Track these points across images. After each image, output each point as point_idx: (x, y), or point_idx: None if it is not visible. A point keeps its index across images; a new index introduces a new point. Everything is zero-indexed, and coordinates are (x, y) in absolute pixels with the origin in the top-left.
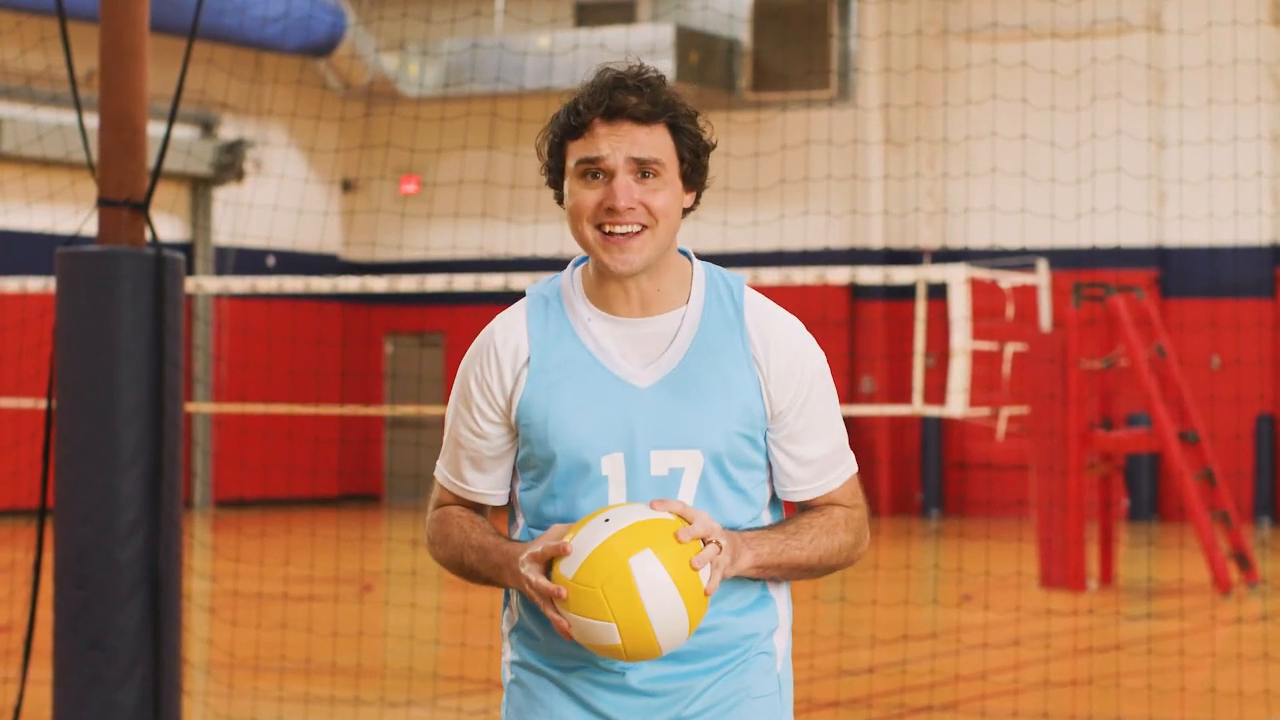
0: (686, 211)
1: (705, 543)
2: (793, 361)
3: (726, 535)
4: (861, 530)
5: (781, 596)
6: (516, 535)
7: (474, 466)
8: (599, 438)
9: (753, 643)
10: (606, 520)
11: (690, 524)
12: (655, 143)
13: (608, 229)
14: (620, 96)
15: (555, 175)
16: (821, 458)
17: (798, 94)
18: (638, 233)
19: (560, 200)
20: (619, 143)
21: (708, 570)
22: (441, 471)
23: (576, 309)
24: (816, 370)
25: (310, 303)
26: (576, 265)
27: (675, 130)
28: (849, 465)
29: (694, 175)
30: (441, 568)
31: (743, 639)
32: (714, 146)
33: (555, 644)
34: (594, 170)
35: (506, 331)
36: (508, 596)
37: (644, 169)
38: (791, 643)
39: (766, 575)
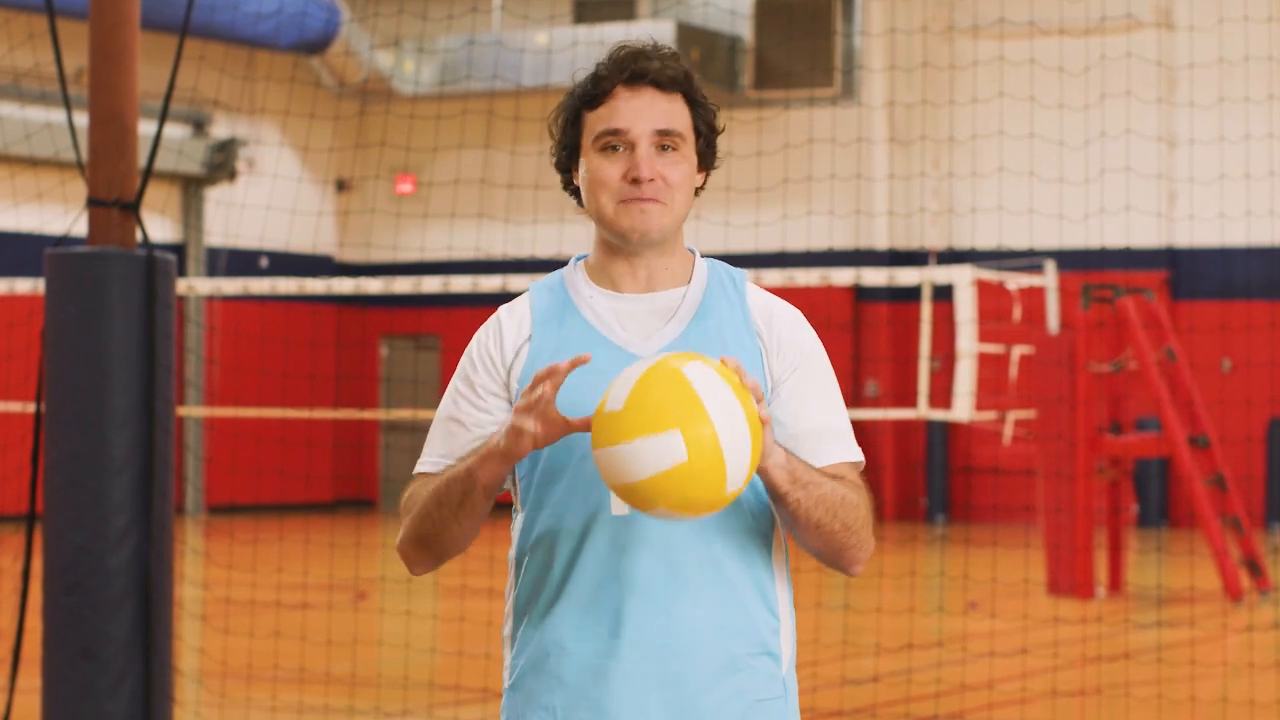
0: (697, 192)
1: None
2: (794, 334)
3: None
4: (867, 509)
5: (783, 596)
6: (517, 526)
7: (465, 443)
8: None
9: (755, 643)
10: (635, 365)
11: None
12: (676, 113)
13: (628, 198)
14: (644, 63)
15: (569, 151)
16: (819, 430)
17: (801, 92)
18: (655, 202)
19: (567, 185)
20: (642, 111)
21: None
22: (424, 460)
23: (580, 289)
24: (816, 347)
25: (304, 305)
26: (579, 259)
27: (692, 104)
28: (853, 450)
29: (707, 153)
30: (418, 568)
31: (744, 638)
32: (722, 130)
33: (554, 638)
34: (615, 143)
35: (510, 312)
36: (508, 597)
37: (665, 142)
38: (796, 648)
39: (791, 493)
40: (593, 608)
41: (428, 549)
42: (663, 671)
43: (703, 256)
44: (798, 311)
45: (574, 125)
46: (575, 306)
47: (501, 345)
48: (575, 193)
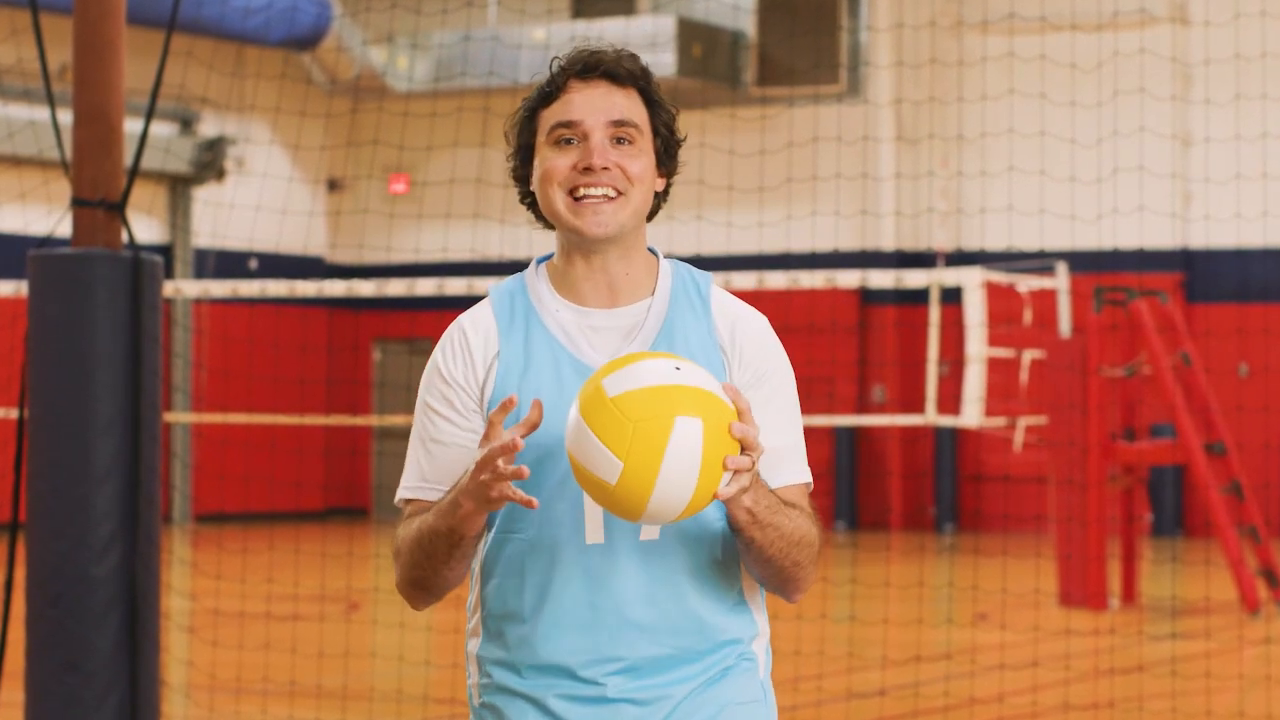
0: (658, 199)
1: (744, 451)
2: (757, 349)
3: None
4: (818, 543)
5: (757, 605)
6: (486, 539)
7: (450, 462)
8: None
9: (731, 650)
10: (678, 369)
11: (744, 425)
12: (632, 107)
13: (580, 193)
14: (597, 56)
15: (525, 153)
16: (776, 450)
17: (805, 89)
18: (612, 198)
19: (523, 197)
20: (597, 102)
21: (728, 476)
22: (408, 485)
23: (544, 300)
24: (780, 362)
25: (295, 307)
26: (540, 262)
27: (650, 103)
28: (804, 472)
29: (666, 156)
30: (415, 595)
31: (720, 645)
32: (684, 138)
33: (527, 660)
34: (568, 136)
35: (475, 325)
36: (471, 614)
37: (620, 134)
38: (771, 655)
39: (750, 531)
40: (566, 635)
41: (426, 590)
42: (640, 685)
43: (666, 258)
44: (763, 320)
45: (529, 124)
46: (539, 317)
47: (472, 363)
48: (532, 204)
